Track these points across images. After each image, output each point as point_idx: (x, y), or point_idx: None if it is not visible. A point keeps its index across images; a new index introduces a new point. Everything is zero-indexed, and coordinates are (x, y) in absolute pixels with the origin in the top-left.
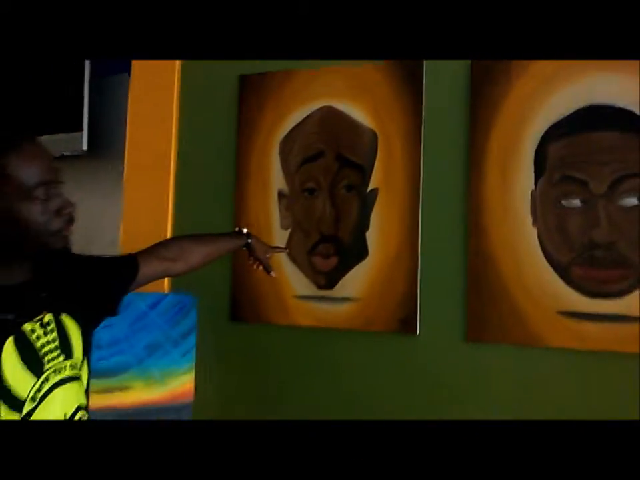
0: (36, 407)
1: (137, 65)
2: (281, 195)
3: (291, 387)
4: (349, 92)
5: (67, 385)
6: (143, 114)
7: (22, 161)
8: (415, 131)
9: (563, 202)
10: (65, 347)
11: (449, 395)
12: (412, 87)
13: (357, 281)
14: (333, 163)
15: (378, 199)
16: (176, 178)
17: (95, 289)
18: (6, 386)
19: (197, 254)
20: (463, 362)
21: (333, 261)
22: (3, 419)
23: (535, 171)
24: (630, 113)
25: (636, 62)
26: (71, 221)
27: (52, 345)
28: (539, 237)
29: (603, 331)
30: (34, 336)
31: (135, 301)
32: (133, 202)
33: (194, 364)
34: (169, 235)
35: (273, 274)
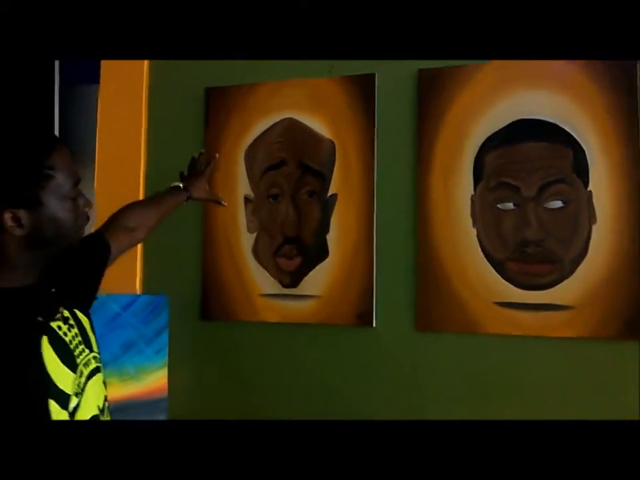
0: (79, 402)
1: (105, 75)
2: (247, 200)
3: (259, 379)
4: (309, 104)
5: (95, 378)
6: (112, 124)
7: (61, 162)
8: (368, 141)
9: (499, 205)
10: (86, 341)
11: (402, 379)
12: (365, 99)
13: (318, 279)
14: (295, 171)
15: (337, 203)
16: (146, 185)
17: (82, 279)
18: (54, 385)
19: (153, 218)
20: (414, 349)
21: (297, 261)
22: (55, 417)
23: (474, 178)
24: (555, 126)
25: (560, 79)
26: (88, 219)
27: (77, 340)
28: (478, 236)
29: (534, 319)
30: (61, 332)
31: (107, 303)
32: (104, 210)
33: (167, 360)
34: None
35: (224, 203)
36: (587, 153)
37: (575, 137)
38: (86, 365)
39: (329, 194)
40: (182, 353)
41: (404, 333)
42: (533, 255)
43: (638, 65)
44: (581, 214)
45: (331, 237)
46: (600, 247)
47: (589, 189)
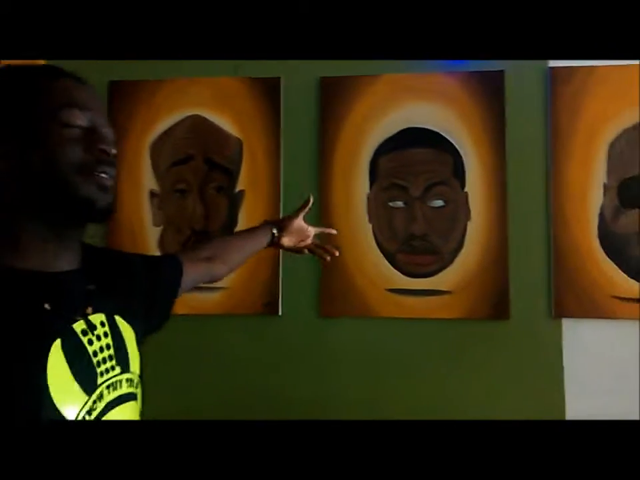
0: None
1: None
2: (152, 194)
3: (170, 368)
4: (215, 103)
5: (123, 406)
6: None
7: (51, 83)
8: (274, 140)
9: (390, 203)
10: (121, 357)
11: (307, 361)
12: (270, 101)
13: None
14: (202, 166)
15: (244, 199)
16: None
17: (145, 291)
18: (52, 404)
19: (233, 254)
20: (318, 333)
21: None
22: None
23: (370, 178)
24: (438, 134)
25: (442, 92)
26: (109, 163)
27: (106, 353)
28: (373, 231)
29: (418, 303)
30: (86, 339)
31: None
32: None
33: None
34: None
35: (336, 253)
36: (463, 159)
37: (454, 144)
38: (112, 387)
39: (237, 190)
40: None
41: (307, 319)
42: (418, 247)
43: (505, 78)
44: (458, 212)
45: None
46: (474, 241)
47: (465, 190)
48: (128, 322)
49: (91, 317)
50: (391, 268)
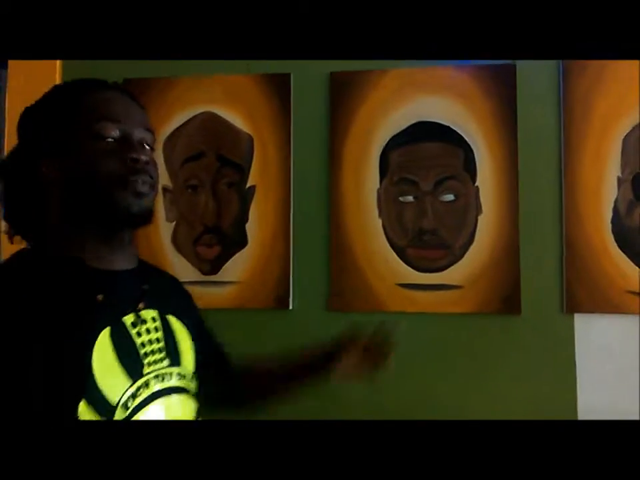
0: (129, 418)
1: (13, 66)
2: (165, 190)
3: None
4: (227, 99)
5: (169, 397)
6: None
7: (84, 97)
8: (285, 136)
9: (400, 198)
10: (172, 351)
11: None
12: (281, 97)
13: (238, 266)
14: (214, 162)
15: (255, 194)
16: None
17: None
18: (96, 388)
19: (275, 387)
20: (328, 328)
21: (216, 249)
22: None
23: (380, 173)
24: (448, 128)
25: (452, 85)
26: (141, 169)
27: (155, 346)
28: (383, 225)
29: (429, 297)
30: (134, 331)
31: None
32: None
33: None
34: None
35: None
36: (474, 153)
37: (465, 138)
38: (160, 378)
39: (248, 185)
40: None
41: (318, 314)
42: (428, 242)
43: (517, 71)
44: (469, 206)
45: (250, 226)
46: (484, 235)
47: (476, 184)
48: (183, 323)
49: (141, 312)
50: (401, 263)
